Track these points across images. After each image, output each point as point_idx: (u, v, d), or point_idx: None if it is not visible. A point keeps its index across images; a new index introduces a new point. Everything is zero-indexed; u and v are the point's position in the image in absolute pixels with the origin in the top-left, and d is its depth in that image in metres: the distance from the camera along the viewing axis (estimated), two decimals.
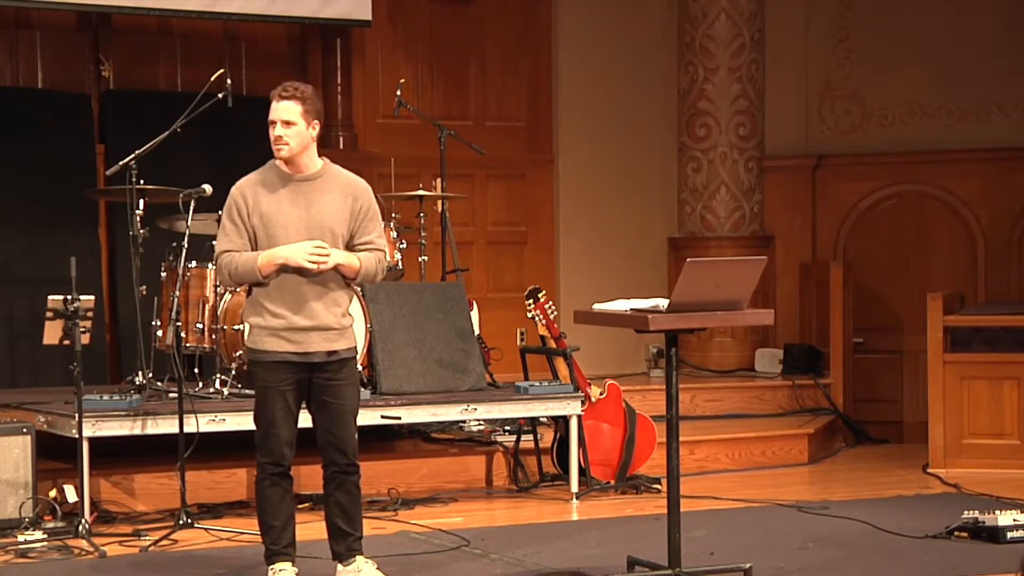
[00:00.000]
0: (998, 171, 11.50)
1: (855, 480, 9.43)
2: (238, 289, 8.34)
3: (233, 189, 6.16)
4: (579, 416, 8.50)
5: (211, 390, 8.23)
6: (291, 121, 6.06)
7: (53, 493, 7.51)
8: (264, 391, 6.07)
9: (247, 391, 8.22)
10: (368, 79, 11.18)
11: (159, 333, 8.38)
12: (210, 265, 8.37)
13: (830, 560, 6.77)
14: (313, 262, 5.99)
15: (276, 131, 6.08)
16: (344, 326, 6.14)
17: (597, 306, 6.22)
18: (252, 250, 6.05)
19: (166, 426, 7.56)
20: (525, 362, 9.02)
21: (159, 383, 8.25)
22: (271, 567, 6.10)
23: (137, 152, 7.96)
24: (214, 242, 6.46)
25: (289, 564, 6.10)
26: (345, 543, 6.19)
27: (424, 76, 11.41)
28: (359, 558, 6.20)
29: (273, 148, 6.11)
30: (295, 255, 5.98)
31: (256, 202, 6.06)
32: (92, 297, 7.33)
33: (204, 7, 10.08)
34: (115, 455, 7.97)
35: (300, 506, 8.03)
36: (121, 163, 7.99)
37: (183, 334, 8.27)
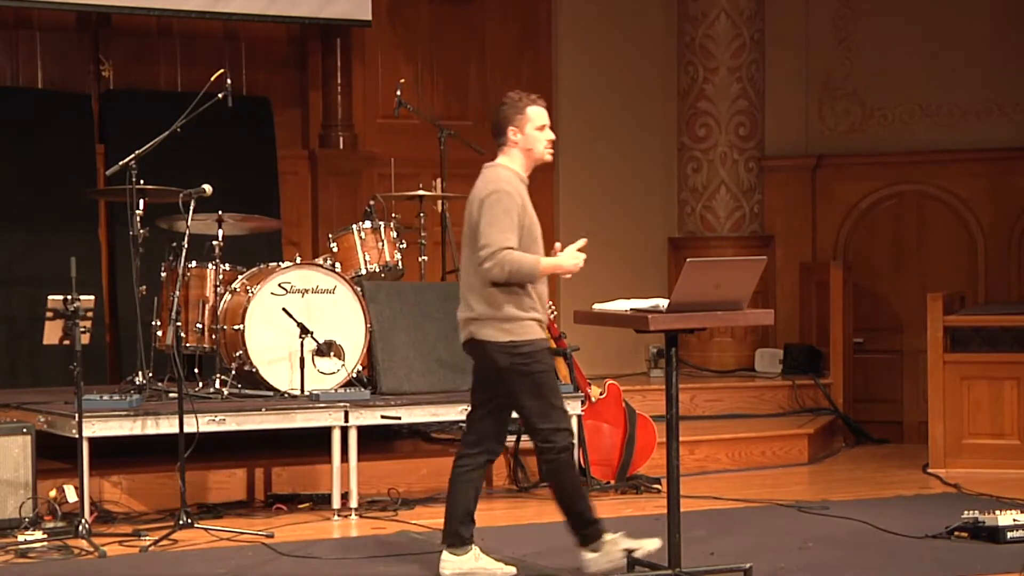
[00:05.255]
0: (998, 171, 11.49)
1: (855, 480, 9.43)
2: (238, 288, 8.35)
3: (507, 186, 6.18)
4: (579, 416, 8.49)
5: (211, 390, 8.24)
6: None
7: (53, 493, 7.51)
8: (548, 374, 6.23)
9: (247, 391, 8.24)
10: (368, 79, 11.17)
11: (159, 333, 8.39)
12: (210, 265, 8.39)
13: (830, 560, 6.77)
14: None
15: (551, 134, 6.32)
16: None
17: (597, 306, 6.22)
18: None
19: (166, 426, 7.55)
20: None
21: (159, 383, 8.25)
22: (602, 540, 6.24)
23: (137, 152, 7.97)
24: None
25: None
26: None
27: (424, 76, 11.41)
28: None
29: (547, 151, 6.32)
30: (575, 266, 6.20)
31: (525, 207, 6.19)
32: (92, 297, 7.32)
33: (204, 7, 10.08)
34: (115, 455, 7.97)
35: (300, 506, 8.06)
36: (121, 163, 8.00)
37: (183, 334, 8.28)
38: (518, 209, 6.14)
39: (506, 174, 6.23)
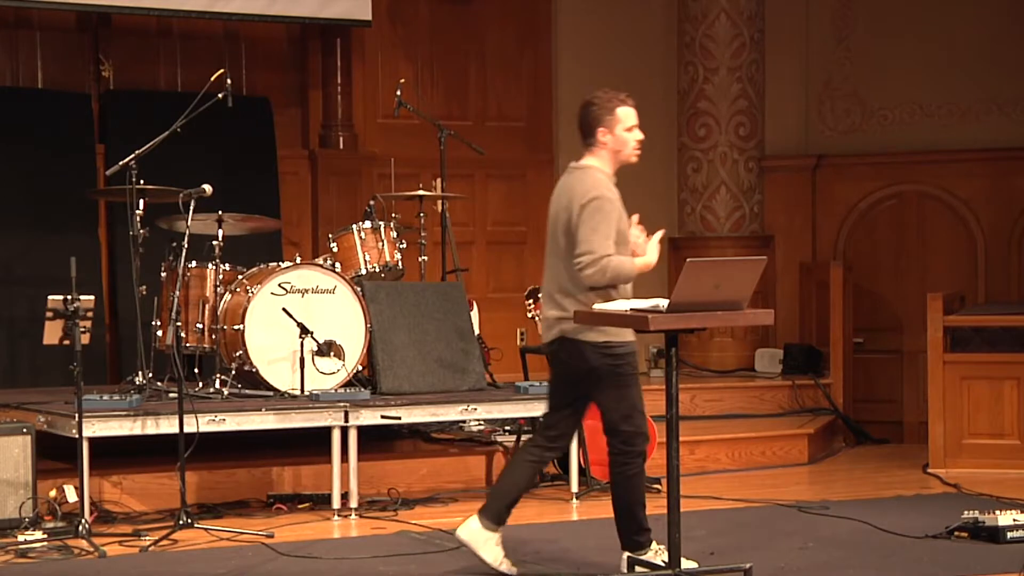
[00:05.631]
0: (998, 171, 11.49)
1: (855, 480, 9.43)
2: (238, 289, 8.35)
3: (608, 192, 6.21)
4: None
5: (211, 390, 8.24)
6: None
7: (53, 493, 7.51)
8: (635, 377, 6.29)
9: (247, 391, 8.24)
10: (368, 79, 11.18)
11: (159, 333, 8.39)
12: (210, 265, 8.39)
13: (830, 560, 6.77)
14: None
15: (639, 135, 6.35)
16: None
17: (597, 306, 6.22)
18: None
19: (166, 426, 7.55)
20: (525, 362, 9.02)
21: (159, 383, 8.25)
22: (649, 548, 6.26)
23: (137, 152, 7.97)
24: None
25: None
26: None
27: (424, 76, 11.41)
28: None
29: (634, 152, 6.38)
30: (656, 259, 6.27)
31: (621, 212, 6.21)
32: (92, 297, 7.32)
33: (204, 7, 10.09)
34: (115, 455, 7.97)
35: (300, 506, 8.05)
36: (121, 163, 8.00)
37: (183, 334, 8.27)
38: (617, 215, 6.19)
39: (602, 178, 6.27)
